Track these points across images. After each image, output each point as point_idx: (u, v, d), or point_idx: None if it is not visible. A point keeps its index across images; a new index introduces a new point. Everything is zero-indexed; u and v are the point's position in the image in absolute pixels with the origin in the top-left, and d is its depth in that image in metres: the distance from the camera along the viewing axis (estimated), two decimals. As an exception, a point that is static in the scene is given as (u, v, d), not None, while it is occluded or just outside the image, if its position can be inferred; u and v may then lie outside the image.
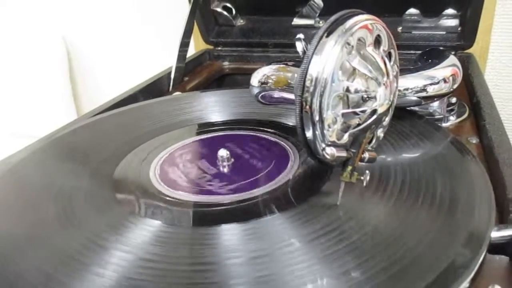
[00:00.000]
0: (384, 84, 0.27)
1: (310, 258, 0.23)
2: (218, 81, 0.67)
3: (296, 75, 0.32)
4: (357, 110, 0.27)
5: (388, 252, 0.23)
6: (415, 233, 0.24)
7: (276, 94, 0.34)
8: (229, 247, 0.25)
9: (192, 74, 0.63)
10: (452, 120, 0.43)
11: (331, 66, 0.25)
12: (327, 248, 0.23)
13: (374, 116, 0.27)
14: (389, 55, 0.29)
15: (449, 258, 0.22)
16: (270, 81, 0.33)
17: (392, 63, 0.29)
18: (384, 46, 0.29)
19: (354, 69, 0.27)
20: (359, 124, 0.27)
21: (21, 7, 0.99)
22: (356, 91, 0.26)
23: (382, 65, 0.27)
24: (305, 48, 0.33)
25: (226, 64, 0.68)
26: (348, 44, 0.26)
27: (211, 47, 0.70)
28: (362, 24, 0.26)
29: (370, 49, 0.27)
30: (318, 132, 0.26)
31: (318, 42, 0.25)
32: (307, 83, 0.25)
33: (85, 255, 0.24)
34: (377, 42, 0.28)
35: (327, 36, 0.25)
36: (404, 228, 0.25)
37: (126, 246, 0.25)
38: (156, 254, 0.24)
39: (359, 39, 0.26)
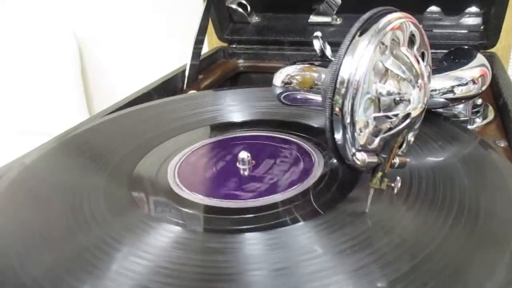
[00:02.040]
0: (418, 86, 0.25)
1: (337, 272, 0.22)
2: (233, 79, 0.66)
3: (323, 75, 0.30)
4: (390, 114, 0.25)
5: (423, 267, 0.21)
6: (451, 246, 0.23)
7: (300, 95, 0.32)
8: (250, 257, 0.23)
9: (206, 72, 0.62)
10: (478, 122, 0.42)
11: (364, 68, 0.24)
12: (356, 261, 0.22)
13: (408, 120, 0.26)
14: (422, 55, 0.28)
15: (491, 274, 0.21)
16: (294, 81, 0.32)
17: (425, 63, 0.28)
18: (418, 45, 0.27)
19: (387, 70, 0.25)
20: (390, 129, 0.26)
21: (32, 3, 0.98)
22: (389, 94, 0.25)
23: (416, 66, 0.26)
24: (322, 46, 0.32)
25: (240, 62, 0.67)
26: (382, 43, 0.24)
27: (225, 44, 0.68)
28: (396, 22, 0.25)
29: (404, 49, 0.26)
30: (348, 136, 0.24)
31: (351, 41, 0.24)
32: (338, 85, 0.24)
33: (99, 258, 0.23)
34: (411, 41, 0.27)
35: (360, 35, 0.24)
36: (440, 240, 0.23)
37: (142, 251, 0.24)
38: (171, 261, 0.23)
39: (393, 39, 0.25)
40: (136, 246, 0.24)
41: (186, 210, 0.28)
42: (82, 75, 1.00)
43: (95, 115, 0.45)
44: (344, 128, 0.24)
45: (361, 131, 0.25)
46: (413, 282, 0.20)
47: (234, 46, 0.68)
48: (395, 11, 0.25)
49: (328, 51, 0.32)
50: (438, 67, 0.39)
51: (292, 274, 0.22)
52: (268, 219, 0.26)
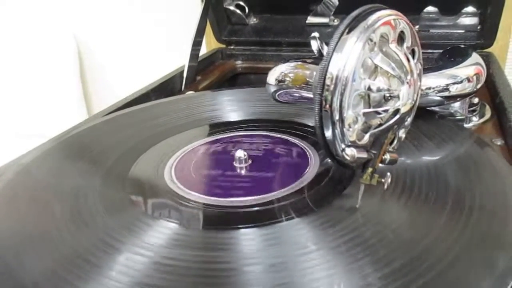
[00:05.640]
0: (407, 82, 0.26)
1: (332, 266, 0.22)
2: (231, 81, 0.66)
3: (315, 72, 0.31)
4: (379, 109, 0.25)
5: (416, 263, 0.21)
6: (445, 242, 0.23)
7: (294, 92, 0.33)
8: (246, 253, 0.24)
9: (205, 74, 0.62)
10: (475, 121, 0.42)
11: (352, 64, 0.24)
12: (350, 256, 0.22)
13: (397, 116, 0.26)
14: (413, 53, 0.28)
15: (485, 270, 0.21)
16: (287, 79, 0.32)
17: (415, 60, 0.28)
18: (408, 43, 0.27)
19: (376, 66, 0.25)
20: (380, 124, 0.26)
21: (32, 5, 0.98)
22: (378, 90, 0.25)
23: (405, 63, 0.26)
24: (320, 47, 0.32)
25: (238, 63, 0.67)
26: (371, 40, 0.24)
27: (223, 46, 0.69)
28: (385, 19, 0.25)
29: (393, 46, 0.26)
30: (338, 132, 0.25)
31: (339, 38, 0.24)
32: (327, 81, 0.24)
33: (98, 257, 0.23)
34: (400, 38, 0.27)
35: (348, 33, 0.24)
36: (434, 237, 0.23)
37: (139, 248, 0.24)
38: (169, 258, 0.23)
39: (381, 36, 0.25)
40: (134, 244, 0.24)
41: (183, 207, 0.28)
42: (82, 77, 1.00)
43: (92, 116, 0.46)
44: (333, 124, 0.24)
45: (350, 127, 0.25)
46: (406, 277, 0.21)
47: (232, 47, 0.68)
48: (384, 9, 0.26)
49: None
50: (434, 66, 0.39)
51: (288, 269, 0.22)
52: (264, 216, 0.26)
